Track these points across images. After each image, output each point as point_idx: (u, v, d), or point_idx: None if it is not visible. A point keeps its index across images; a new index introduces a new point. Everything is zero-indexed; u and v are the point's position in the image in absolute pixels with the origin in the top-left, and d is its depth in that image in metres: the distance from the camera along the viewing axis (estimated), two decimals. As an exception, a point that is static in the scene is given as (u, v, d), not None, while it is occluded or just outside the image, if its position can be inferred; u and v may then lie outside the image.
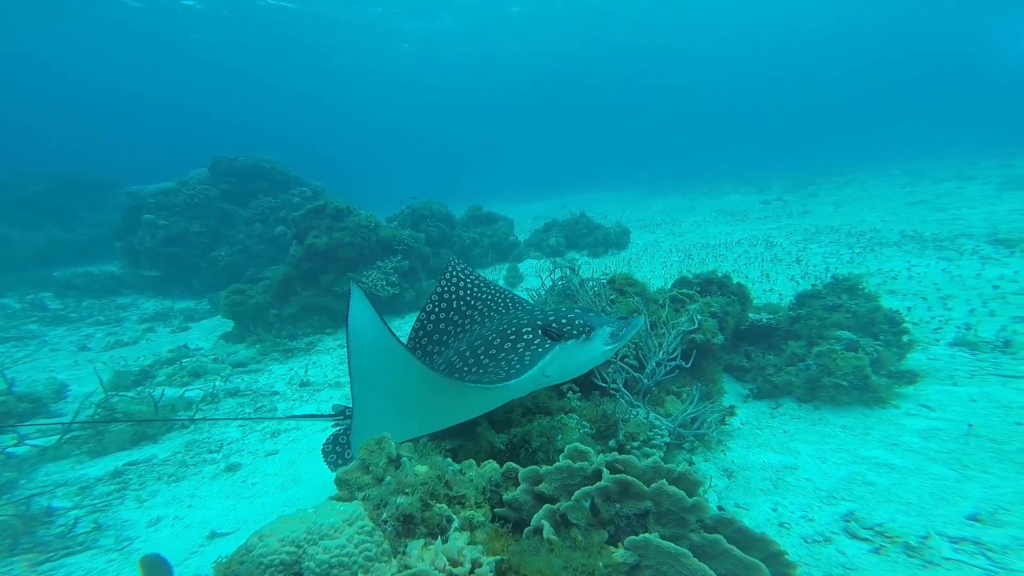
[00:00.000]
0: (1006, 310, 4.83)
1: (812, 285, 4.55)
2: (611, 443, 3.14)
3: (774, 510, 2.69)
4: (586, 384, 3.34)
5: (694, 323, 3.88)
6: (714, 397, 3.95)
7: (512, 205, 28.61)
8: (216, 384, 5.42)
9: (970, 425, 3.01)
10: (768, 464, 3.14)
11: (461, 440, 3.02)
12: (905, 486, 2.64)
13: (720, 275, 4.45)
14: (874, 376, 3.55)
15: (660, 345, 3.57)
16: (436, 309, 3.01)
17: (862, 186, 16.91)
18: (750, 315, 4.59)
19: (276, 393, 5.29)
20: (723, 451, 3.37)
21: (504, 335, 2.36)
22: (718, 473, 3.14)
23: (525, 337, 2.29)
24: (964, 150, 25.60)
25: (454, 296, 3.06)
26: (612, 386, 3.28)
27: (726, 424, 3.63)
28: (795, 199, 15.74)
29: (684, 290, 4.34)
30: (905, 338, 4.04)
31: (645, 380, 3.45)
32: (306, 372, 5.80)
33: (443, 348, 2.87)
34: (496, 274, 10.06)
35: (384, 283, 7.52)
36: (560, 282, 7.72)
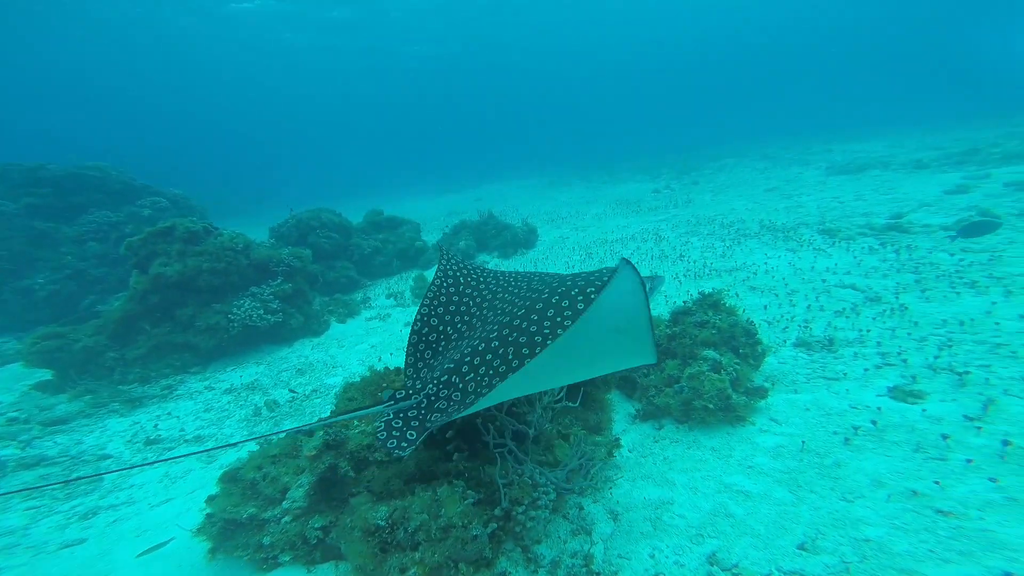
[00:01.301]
0: (830, 304, 5.66)
1: (684, 302, 4.89)
2: (496, 511, 3.07)
3: (652, 556, 2.82)
4: (474, 437, 3.21)
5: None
6: (603, 427, 4.09)
7: (425, 200, 27.50)
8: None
9: (803, 442, 3.42)
10: (649, 501, 3.30)
11: (333, 516, 2.72)
12: (757, 515, 2.92)
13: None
14: (734, 395, 3.90)
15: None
16: (442, 301, 2.98)
17: (731, 172, 18.96)
18: None
19: (107, 457, 4.41)
20: (611, 488, 3.49)
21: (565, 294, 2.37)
22: (604, 516, 3.23)
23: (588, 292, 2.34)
24: (804, 132, 30.07)
25: (458, 285, 3.03)
26: (498, 441, 3.18)
27: (613, 456, 3.77)
28: (680, 187, 17.16)
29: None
30: (759, 348, 4.52)
31: (533, 430, 3.41)
32: (156, 426, 4.93)
33: (460, 336, 2.80)
34: (403, 284, 9.53)
35: (261, 311, 6.70)
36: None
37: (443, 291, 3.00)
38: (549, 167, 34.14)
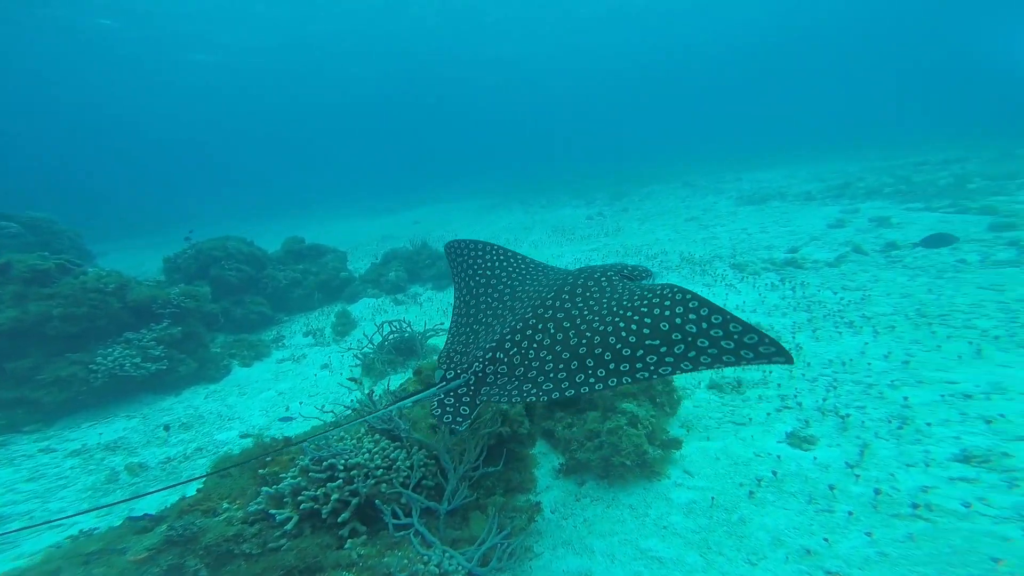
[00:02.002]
0: (741, 342, 6.08)
1: None
2: (402, 612, 2.78)
3: (569, 643, 2.68)
4: (375, 517, 2.92)
5: (497, 422, 3.77)
6: (526, 486, 3.95)
7: (359, 221, 26.42)
8: None
9: (713, 497, 3.51)
10: (568, 573, 3.18)
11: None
12: (668, 586, 2.90)
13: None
14: (651, 450, 3.95)
15: (462, 455, 3.34)
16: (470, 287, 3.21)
17: (656, 200, 20.28)
18: None
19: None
20: (531, 559, 3.33)
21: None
22: (524, 597, 3.06)
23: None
24: (720, 159, 33.15)
25: (482, 270, 3.24)
26: (401, 522, 2.90)
27: (535, 521, 3.63)
28: (611, 214, 17.99)
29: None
30: (675, 396, 4.67)
31: (445, 506, 3.18)
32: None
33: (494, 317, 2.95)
34: (323, 320, 8.89)
35: (138, 360, 5.89)
36: (392, 336, 7.11)
37: (469, 279, 3.25)
38: (492, 188, 34.50)
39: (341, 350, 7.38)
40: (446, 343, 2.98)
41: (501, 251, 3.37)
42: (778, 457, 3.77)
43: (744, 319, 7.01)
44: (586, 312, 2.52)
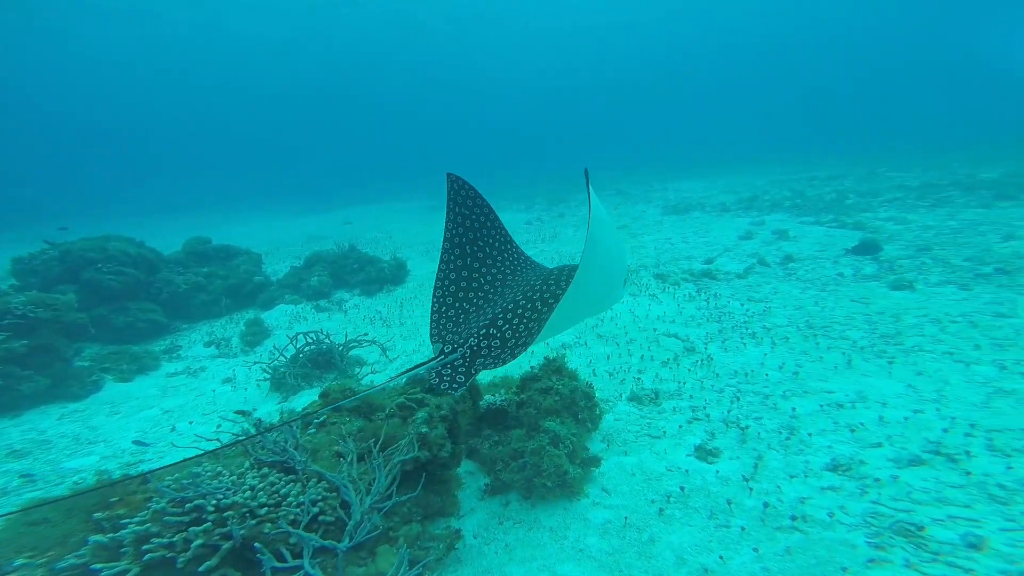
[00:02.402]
0: (659, 354, 6.42)
1: (531, 367, 5.00)
2: None
3: None
4: (254, 562, 2.60)
5: (414, 448, 3.61)
6: (447, 510, 3.84)
7: (282, 220, 24.53)
8: None
9: (626, 517, 3.64)
10: (485, 608, 3.12)
11: None
12: (581, 615, 2.94)
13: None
14: (571, 469, 4.02)
15: (370, 486, 3.14)
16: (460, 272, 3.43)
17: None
18: (486, 397, 4.74)
19: None
20: (450, 593, 3.24)
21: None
22: (439, 639, 2.95)
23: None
24: (650, 166, 35.18)
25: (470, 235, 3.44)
26: (287, 565, 2.61)
27: (455, 548, 3.53)
28: (549, 219, 18.35)
29: (413, 392, 4.05)
30: (597, 411, 4.81)
31: (346, 543, 2.95)
32: None
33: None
34: (231, 328, 8.08)
35: None
36: (308, 347, 6.61)
37: (467, 245, 3.48)
38: (437, 189, 33.75)
39: (249, 362, 6.75)
40: (434, 319, 3.27)
41: (502, 232, 3.63)
42: (686, 471, 4.00)
43: (666, 330, 7.28)
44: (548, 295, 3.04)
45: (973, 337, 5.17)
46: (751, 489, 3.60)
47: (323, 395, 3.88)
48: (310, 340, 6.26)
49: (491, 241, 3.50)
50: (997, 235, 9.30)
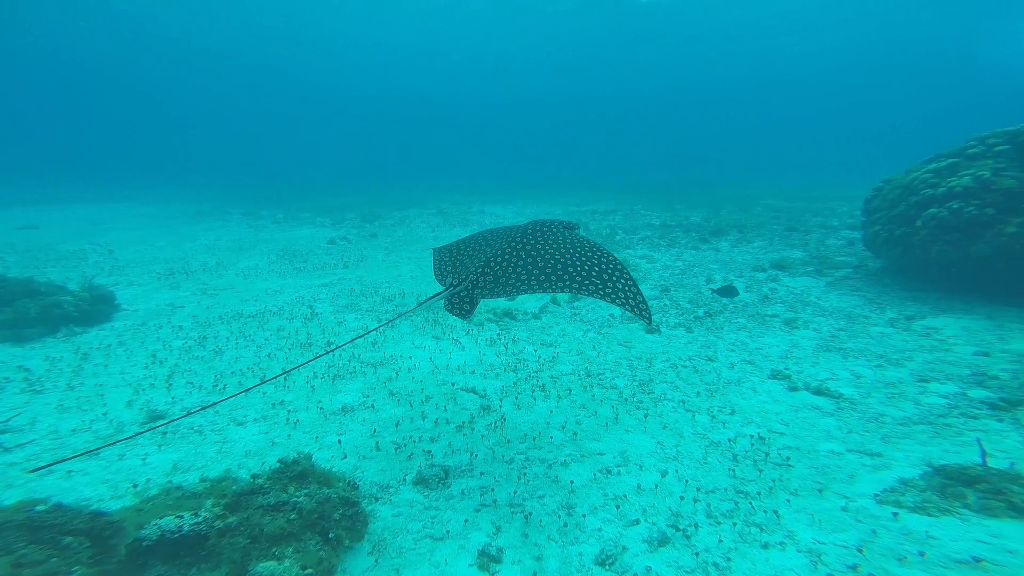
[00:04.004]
0: (455, 414, 5.85)
1: (252, 476, 3.70)
2: None
3: None
4: None
5: None
6: None
7: None
8: None
9: None
10: None
11: None
12: None
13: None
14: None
15: None
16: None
17: (409, 225, 20.04)
18: (166, 518, 3.20)
19: None
20: None
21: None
22: None
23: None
24: (474, 189, 36.47)
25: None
26: None
27: None
28: (358, 238, 16.47)
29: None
30: (361, 517, 3.83)
31: None
32: None
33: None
34: None
35: None
36: None
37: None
38: (218, 191, 26.55)
39: None
40: (435, 267, 4.23)
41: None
42: (464, 595, 3.41)
43: (464, 383, 6.89)
44: (546, 246, 3.81)
45: (695, 384, 6.32)
46: (525, 608, 3.21)
47: None
48: None
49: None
50: (703, 277, 12.27)
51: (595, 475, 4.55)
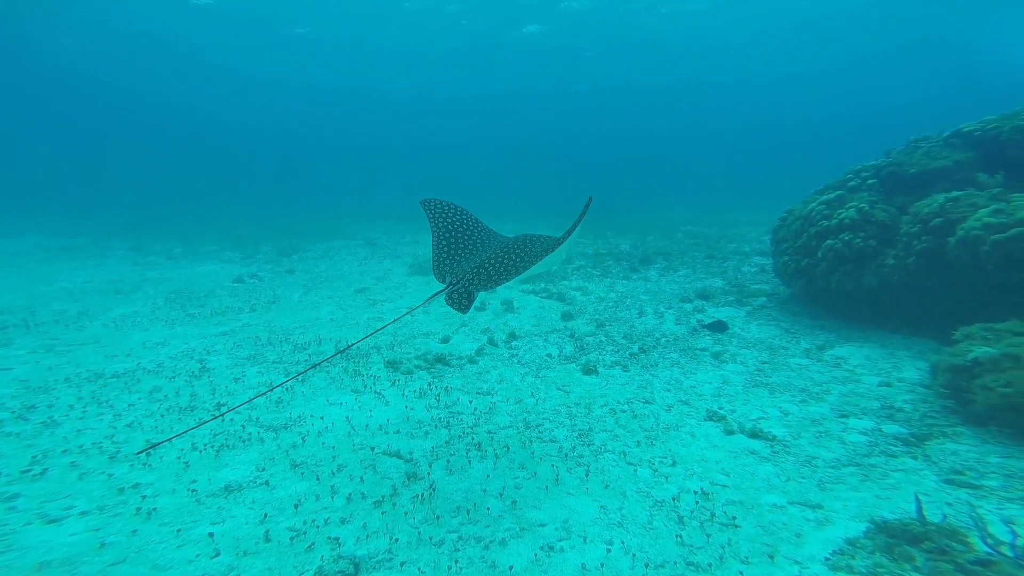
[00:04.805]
0: (373, 487, 5.03)
1: None
2: None
3: None
4: None
5: None
6: None
7: None
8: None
9: None
10: None
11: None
12: None
13: None
14: None
15: None
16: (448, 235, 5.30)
17: (334, 258, 18.67)
18: None
19: None
20: None
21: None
22: None
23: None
24: (405, 215, 35.36)
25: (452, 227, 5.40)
26: None
27: None
28: (271, 275, 14.89)
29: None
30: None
31: None
32: None
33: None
34: None
35: None
36: None
37: (447, 225, 5.37)
38: (81, 219, 22.80)
39: None
40: (435, 266, 4.84)
41: (471, 218, 5.62)
42: None
43: (387, 445, 6.12)
44: (524, 254, 4.51)
45: (635, 431, 6.12)
46: None
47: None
48: None
49: (466, 222, 5.45)
50: (635, 310, 12.51)
51: (536, 555, 4.02)
